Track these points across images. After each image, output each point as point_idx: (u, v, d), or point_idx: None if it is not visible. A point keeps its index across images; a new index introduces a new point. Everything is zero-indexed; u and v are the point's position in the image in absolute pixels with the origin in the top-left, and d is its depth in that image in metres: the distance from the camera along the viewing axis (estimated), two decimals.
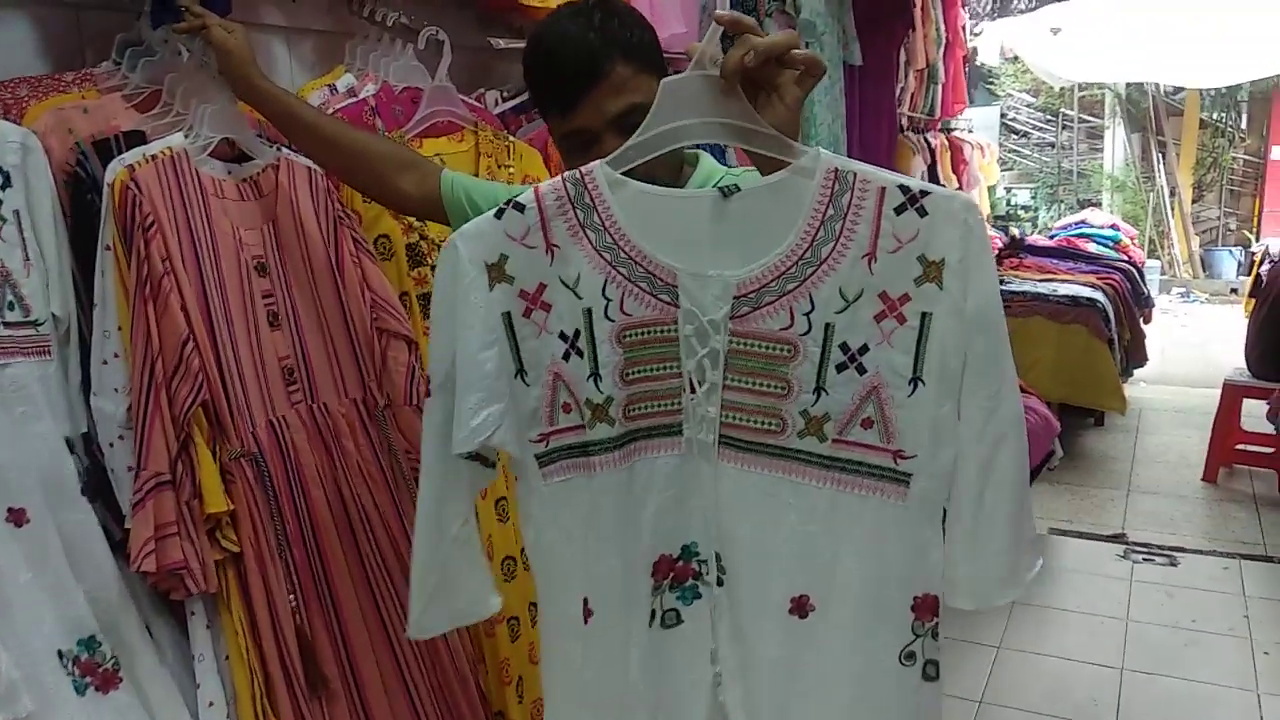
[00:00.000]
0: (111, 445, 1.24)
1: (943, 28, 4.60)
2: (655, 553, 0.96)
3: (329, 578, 1.39)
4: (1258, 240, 8.66)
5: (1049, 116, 10.74)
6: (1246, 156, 9.81)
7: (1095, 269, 5.27)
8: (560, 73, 1.07)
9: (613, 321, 0.92)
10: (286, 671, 1.32)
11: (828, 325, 0.89)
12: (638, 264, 0.91)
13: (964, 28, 5.30)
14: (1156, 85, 9.26)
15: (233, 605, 1.29)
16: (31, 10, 1.33)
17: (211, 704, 1.26)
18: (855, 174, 0.87)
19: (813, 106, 2.86)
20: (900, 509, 0.92)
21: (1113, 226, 6.30)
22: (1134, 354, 4.95)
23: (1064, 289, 4.63)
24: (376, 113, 1.68)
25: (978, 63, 7.35)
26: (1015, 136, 10.77)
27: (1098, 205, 9.11)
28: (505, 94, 2.08)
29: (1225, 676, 2.57)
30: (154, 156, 1.28)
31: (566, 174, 0.93)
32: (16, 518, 1.12)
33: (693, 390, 0.93)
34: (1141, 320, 5.20)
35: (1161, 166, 9.52)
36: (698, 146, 1.08)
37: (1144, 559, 3.33)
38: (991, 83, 10.05)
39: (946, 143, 4.98)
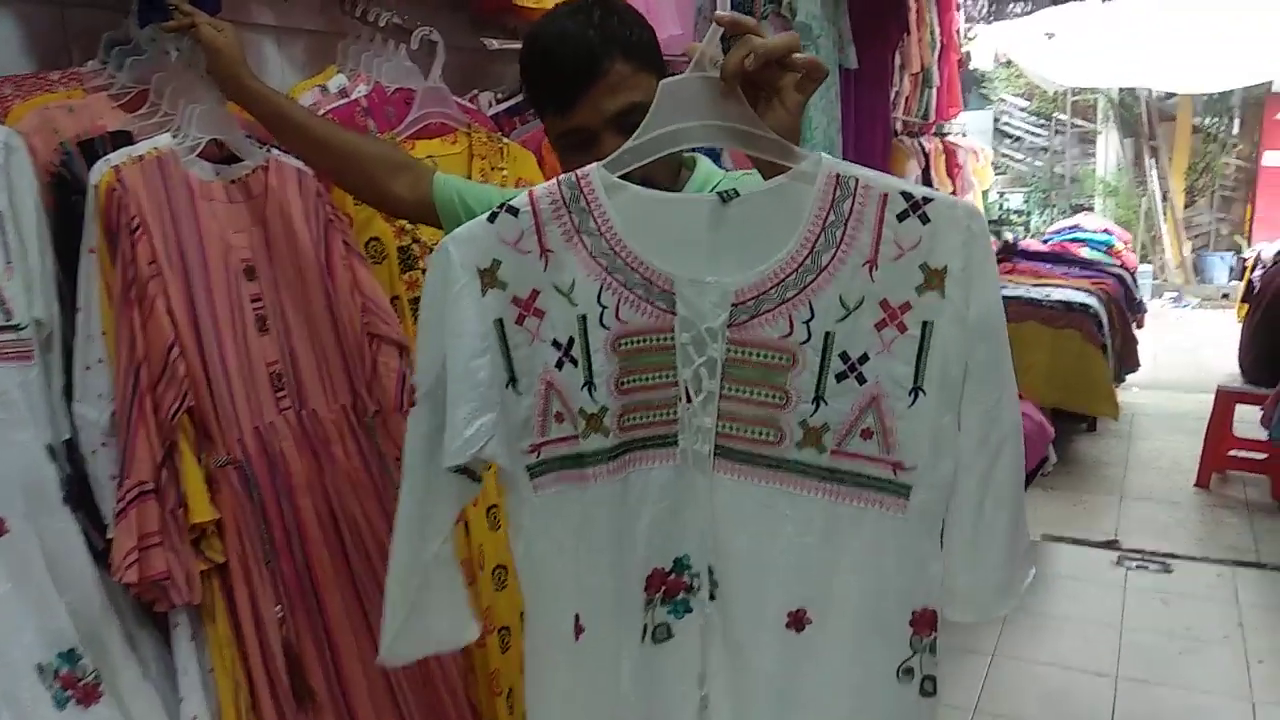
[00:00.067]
0: (94, 453, 1.22)
1: (937, 31, 4.61)
2: (649, 566, 0.94)
3: (316, 588, 1.37)
4: (1249, 245, 8.68)
5: (1042, 121, 10.77)
6: (1238, 162, 9.84)
7: (1088, 274, 5.28)
8: (558, 70, 1.05)
9: (608, 329, 0.90)
10: (272, 684, 1.29)
11: (828, 334, 0.87)
12: (634, 270, 0.89)
13: (958, 32, 5.31)
14: (1149, 90, 9.29)
15: (218, 617, 1.26)
16: (16, 8, 1.30)
17: (195, 718, 1.24)
18: (857, 179, 0.85)
19: (808, 110, 2.82)
20: (900, 521, 0.90)
21: (1106, 231, 6.31)
22: (1126, 359, 4.95)
23: (1057, 294, 4.63)
24: (369, 114, 1.66)
25: (971, 67, 7.36)
26: (1008, 141, 10.78)
27: (1090, 210, 9.14)
28: (499, 95, 2.07)
29: (1220, 685, 2.56)
30: (140, 157, 1.25)
31: (562, 177, 0.91)
32: None
33: (688, 400, 0.91)
34: (1134, 325, 5.20)
35: (1154, 171, 9.54)
36: (693, 149, 1.06)
37: (1138, 566, 3.32)
38: (985, 87, 10.06)
39: (941, 147, 4.98)
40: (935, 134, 5.08)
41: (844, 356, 0.88)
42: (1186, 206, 9.89)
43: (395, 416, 1.48)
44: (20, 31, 1.32)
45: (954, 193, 4.92)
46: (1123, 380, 5.11)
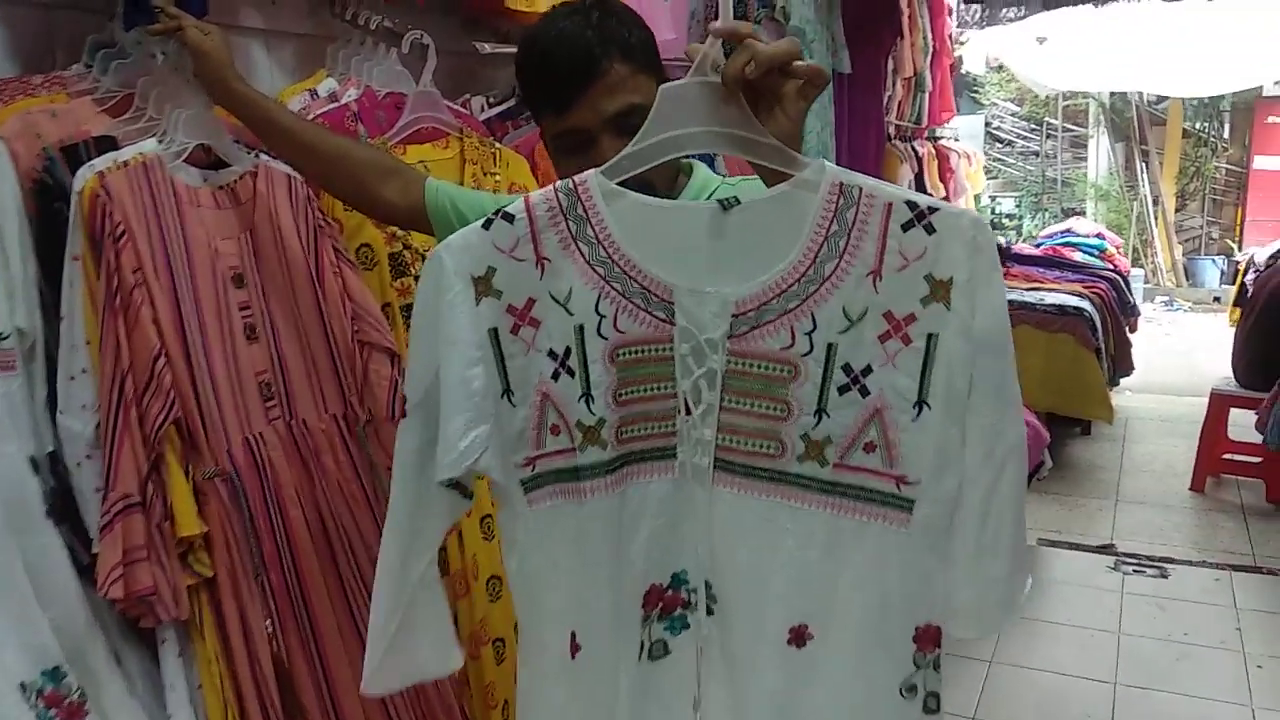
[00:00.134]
0: (79, 465, 1.19)
1: (930, 36, 4.60)
2: (647, 582, 0.92)
3: (307, 602, 1.34)
4: (1240, 249, 8.72)
5: (1033, 125, 10.81)
6: (1229, 166, 9.89)
7: (1082, 278, 5.28)
8: (556, 70, 1.03)
9: (605, 339, 0.88)
10: (262, 700, 1.27)
11: (830, 345, 0.85)
12: (632, 279, 0.87)
13: (950, 36, 5.30)
14: (1140, 95, 9.33)
15: (206, 632, 1.23)
16: None
17: None
18: (861, 188, 0.83)
19: None
20: (903, 536, 0.88)
21: (1098, 235, 6.31)
22: (1120, 363, 4.96)
23: (1051, 298, 4.63)
24: (359, 118, 1.64)
25: (962, 71, 7.37)
26: (1000, 145, 10.82)
27: (1082, 214, 9.16)
28: (491, 99, 2.05)
29: (1219, 691, 2.55)
30: (125, 163, 1.23)
31: (559, 184, 0.89)
32: None
33: (687, 412, 0.89)
34: (1127, 329, 5.21)
35: (1145, 175, 9.58)
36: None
37: (1134, 570, 3.31)
38: (976, 91, 10.09)
39: (934, 151, 4.97)
40: (928, 138, 5.08)
41: (847, 369, 0.86)
42: (1177, 210, 9.94)
43: (387, 425, 1.46)
44: (3, 35, 1.29)
45: (946, 197, 4.92)
46: (1117, 384, 5.12)
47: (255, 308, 1.37)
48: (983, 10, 5.73)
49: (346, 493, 1.41)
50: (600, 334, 0.88)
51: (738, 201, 0.86)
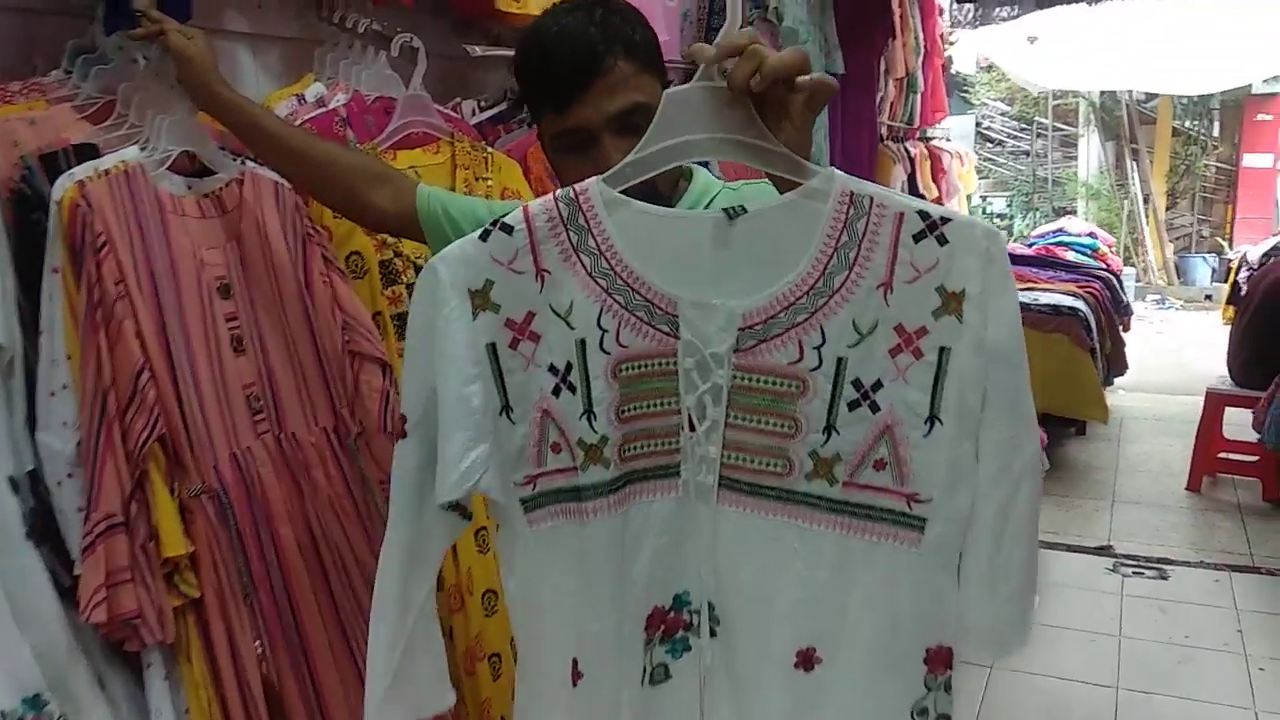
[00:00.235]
0: (59, 484, 1.15)
1: (922, 36, 4.59)
2: (649, 604, 0.89)
3: (298, 622, 1.31)
4: (1231, 247, 8.75)
5: (1024, 125, 10.83)
6: (1219, 164, 9.93)
7: (1075, 277, 5.28)
8: (557, 67, 1.00)
9: (608, 354, 0.85)
10: None
11: (840, 360, 0.83)
12: (635, 291, 0.84)
13: (941, 36, 5.29)
14: (1130, 93, 9.35)
15: (193, 655, 1.20)
16: None
17: None
18: (871, 198, 0.80)
19: None
20: (914, 555, 0.86)
21: (1091, 235, 6.32)
22: (1115, 362, 4.95)
23: (1045, 298, 4.63)
24: (347, 123, 1.61)
25: (952, 71, 7.37)
26: (990, 145, 10.84)
27: (1073, 213, 9.17)
28: (482, 103, 2.02)
29: (1222, 694, 2.53)
30: (107, 171, 1.19)
31: (559, 193, 0.85)
32: None
33: (692, 428, 0.86)
34: (1121, 328, 5.21)
35: (1135, 174, 9.61)
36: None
37: (1134, 572, 3.30)
38: (966, 91, 10.10)
39: (926, 152, 4.96)
40: (920, 139, 5.07)
41: (857, 384, 0.83)
42: (1168, 209, 9.97)
43: (379, 438, 1.42)
44: None
45: (939, 198, 4.90)
46: (1111, 383, 5.11)
47: (242, 319, 1.33)
48: (976, 9, 5.72)
49: (338, 508, 1.38)
50: (603, 348, 0.85)
51: (744, 210, 0.83)
